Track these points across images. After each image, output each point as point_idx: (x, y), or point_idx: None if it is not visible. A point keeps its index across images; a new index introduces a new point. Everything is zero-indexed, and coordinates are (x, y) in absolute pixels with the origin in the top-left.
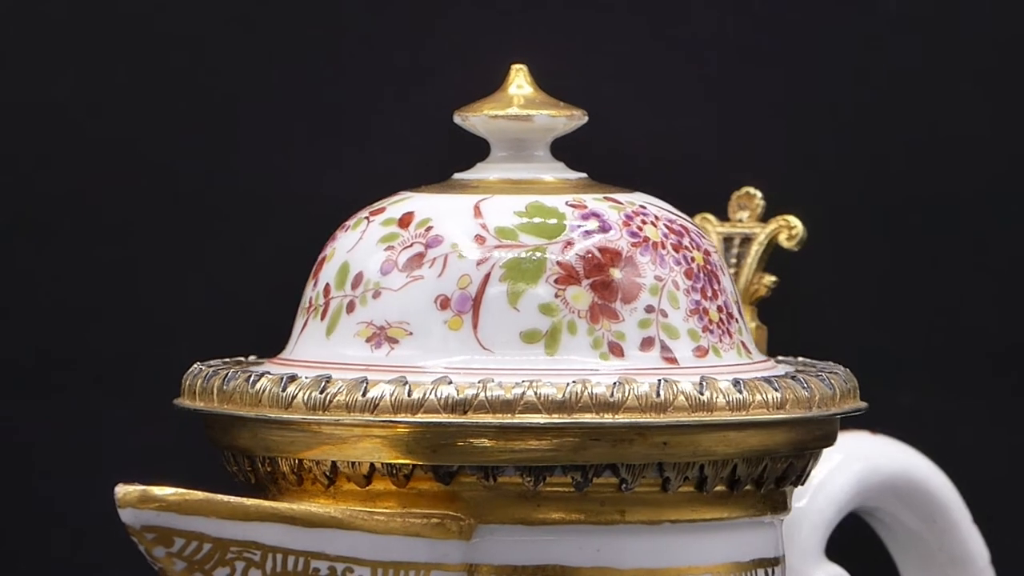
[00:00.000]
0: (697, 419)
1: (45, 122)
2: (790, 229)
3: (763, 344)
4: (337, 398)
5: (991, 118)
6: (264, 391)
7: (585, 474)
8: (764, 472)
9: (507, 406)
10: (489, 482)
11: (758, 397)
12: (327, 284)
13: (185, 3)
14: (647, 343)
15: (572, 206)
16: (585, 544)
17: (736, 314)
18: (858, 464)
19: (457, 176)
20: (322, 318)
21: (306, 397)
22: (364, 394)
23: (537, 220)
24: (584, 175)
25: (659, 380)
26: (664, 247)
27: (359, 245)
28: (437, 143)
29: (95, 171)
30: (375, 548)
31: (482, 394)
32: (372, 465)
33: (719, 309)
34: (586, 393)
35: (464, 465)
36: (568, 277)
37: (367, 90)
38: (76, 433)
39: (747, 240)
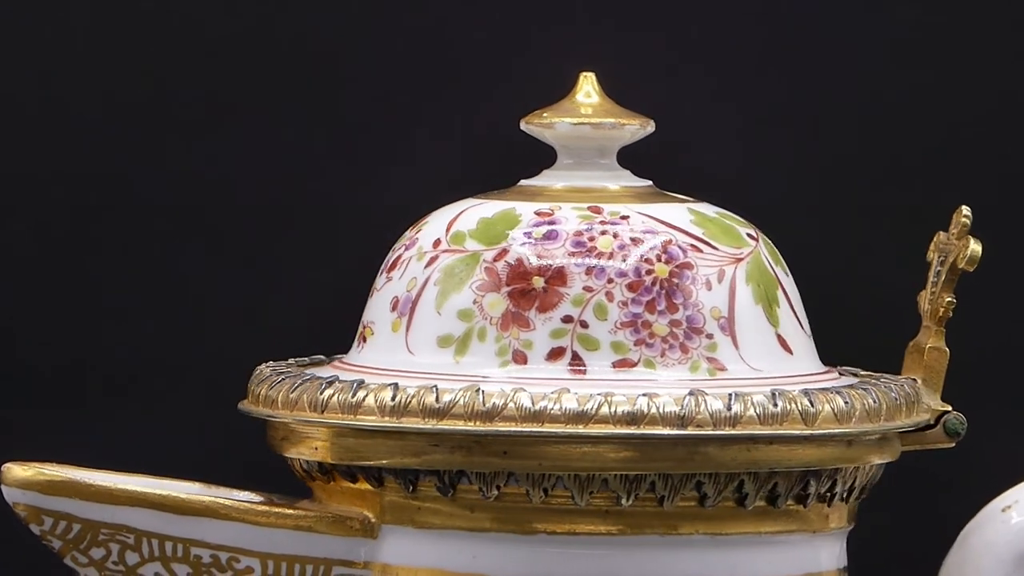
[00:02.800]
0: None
1: (90, 125)
2: (965, 249)
3: (941, 369)
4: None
5: None
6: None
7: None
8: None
9: (351, 408)
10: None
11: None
12: None
13: (250, 11)
14: (556, 353)
15: (537, 214)
16: None
17: (714, 330)
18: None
19: (523, 183)
20: None
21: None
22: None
23: (496, 227)
24: (649, 183)
25: (514, 390)
26: (611, 258)
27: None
28: (505, 149)
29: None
30: (259, 540)
31: (336, 396)
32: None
33: (674, 323)
34: (414, 400)
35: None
36: (490, 284)
37: (435, 96)
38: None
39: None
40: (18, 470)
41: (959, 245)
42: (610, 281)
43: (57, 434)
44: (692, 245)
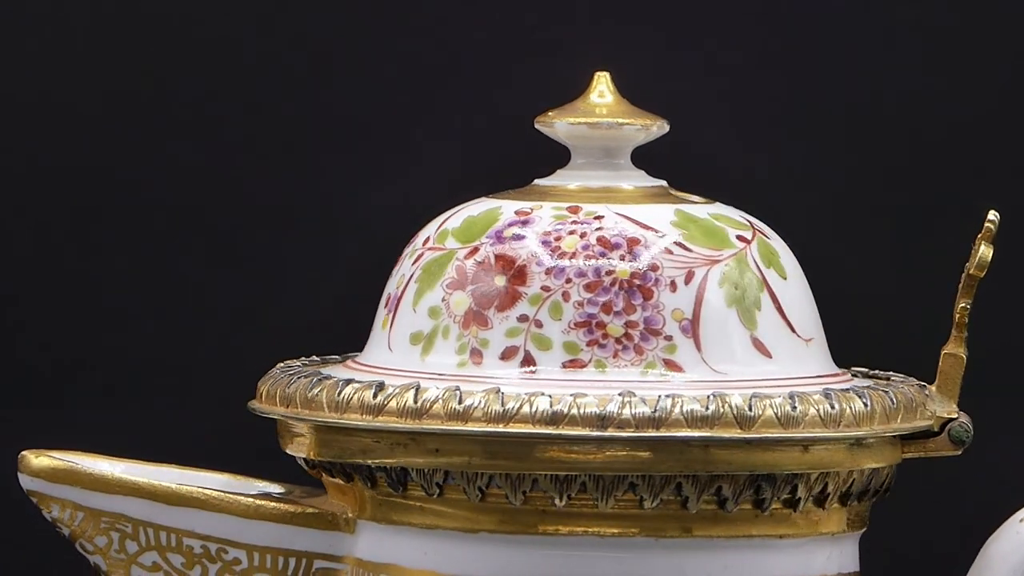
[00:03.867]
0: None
1: (102, 124)
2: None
3: (956, 375)
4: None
5: None
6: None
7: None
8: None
9: (336, 406)
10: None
11: (574, 412)
12: None
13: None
14: (510, 352)
15: (517, 213)
16: None
17: (675, 332)
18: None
19: (537, 182)
20: None
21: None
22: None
23: (476, 226)
24: (663, 183)
25: (457, 388)
26: (574, 258)
27: None
28: (522, 148)
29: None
30: (244, 532)
31: (324, 393)
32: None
33: (630, 325)
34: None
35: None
36: (458, 282)
37: (448, 95)
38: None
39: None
40: (31, 458)
41: (975, 250)
42: (568, 281)
43: (57, 434)
44: (663, 247)
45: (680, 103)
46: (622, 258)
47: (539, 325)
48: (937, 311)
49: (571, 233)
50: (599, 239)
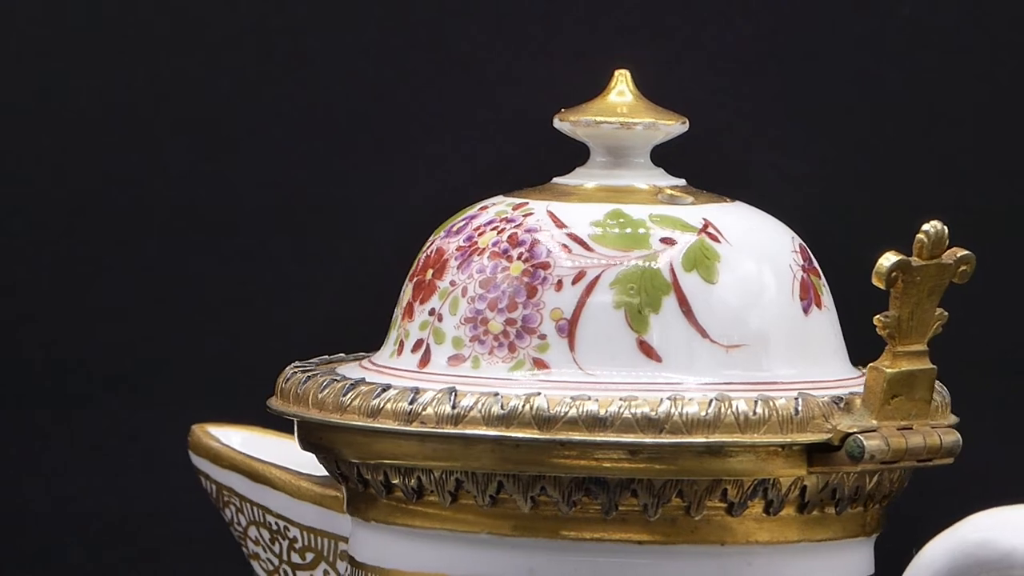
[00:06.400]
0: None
1: (114, 124)
2: None
3: (876, 388)
4: None
5: None
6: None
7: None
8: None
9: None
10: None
11: (429, 412)
12: None
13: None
14: (418, 344)
15: (480, 208)
16: None
17: (550, 331)
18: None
19: (556, 180)
20: None
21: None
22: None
23: (450, 221)
24: (683, 182)
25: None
26: (482, 254)
27: None
28: (541, 145)
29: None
30: (298, 512)
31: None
32: None
33: (509, 322)
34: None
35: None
36: (412, 275)
37: (465, 93)
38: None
39: None
40: (194, 429)
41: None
42: (470, 277)
43: (57, 434)
44: (564, 245)
45: (714, 101)
46: (520, 256)
47: (440, 319)
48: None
49: (493, 229)
50: (510, 236)
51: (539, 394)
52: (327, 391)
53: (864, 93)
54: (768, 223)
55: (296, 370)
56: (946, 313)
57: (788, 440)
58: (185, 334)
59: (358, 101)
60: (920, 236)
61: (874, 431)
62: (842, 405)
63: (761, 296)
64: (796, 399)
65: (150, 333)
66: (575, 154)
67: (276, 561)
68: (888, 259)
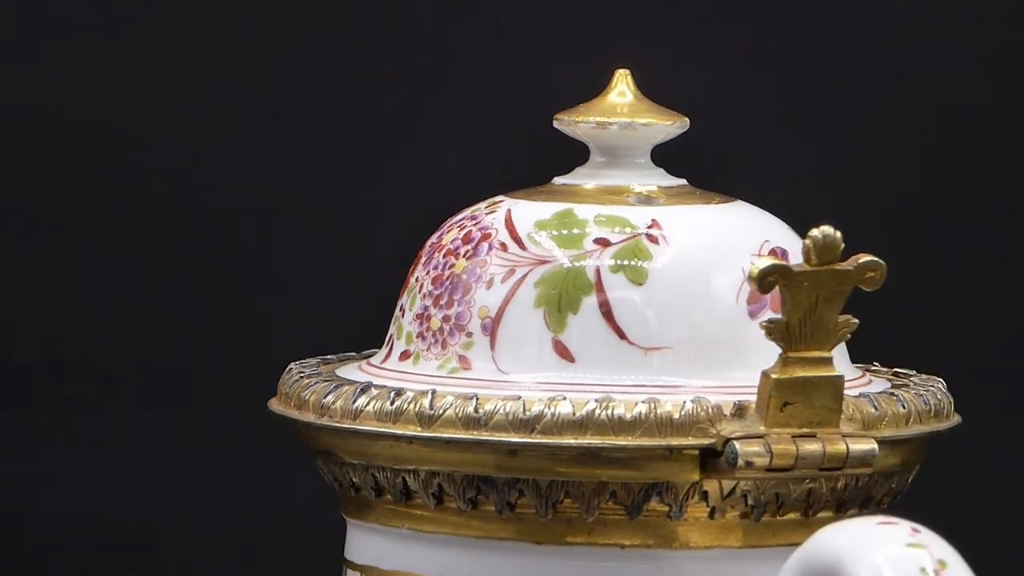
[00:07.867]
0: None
1: (114, 124)
2: None
3: (764, 394)
4: None
5: None
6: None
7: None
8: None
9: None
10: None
11: (371, 407)
12: None
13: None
14: (390, 338)
15: (471, 207)
16: None
17: (476, 329)
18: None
19: (556, 180)
20: None
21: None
22: None
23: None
24: (683, 182)
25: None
26: (441, 251)
27: None
28: (543, 146)
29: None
30: None
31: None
32: None
33: (445, 319)
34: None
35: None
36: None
37: (468, 93)
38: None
39: None
40: None
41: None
42: (428, 273)
43: (57, 434)
44: (503, 244)
45: (715, 101)
46: (465, 254)
47: (403, 314)
48: (947, 311)
49: (457, 227)
50: (466, 235)
51: (428, 393)
52: (310, 392)
53: (864, 93)
54: (739, 225)
55: (294, 371)
56: (855, 320)
57: (664, 443)
58: (185, 334)
59: (358, 101)
60: (807, 241)
61: (759, 437)
62: (734, 411)
63: (692, 300)
64: (684, 403)
65: (150, 333)
66: (576, 153)
67: None
68: (760, 263)
